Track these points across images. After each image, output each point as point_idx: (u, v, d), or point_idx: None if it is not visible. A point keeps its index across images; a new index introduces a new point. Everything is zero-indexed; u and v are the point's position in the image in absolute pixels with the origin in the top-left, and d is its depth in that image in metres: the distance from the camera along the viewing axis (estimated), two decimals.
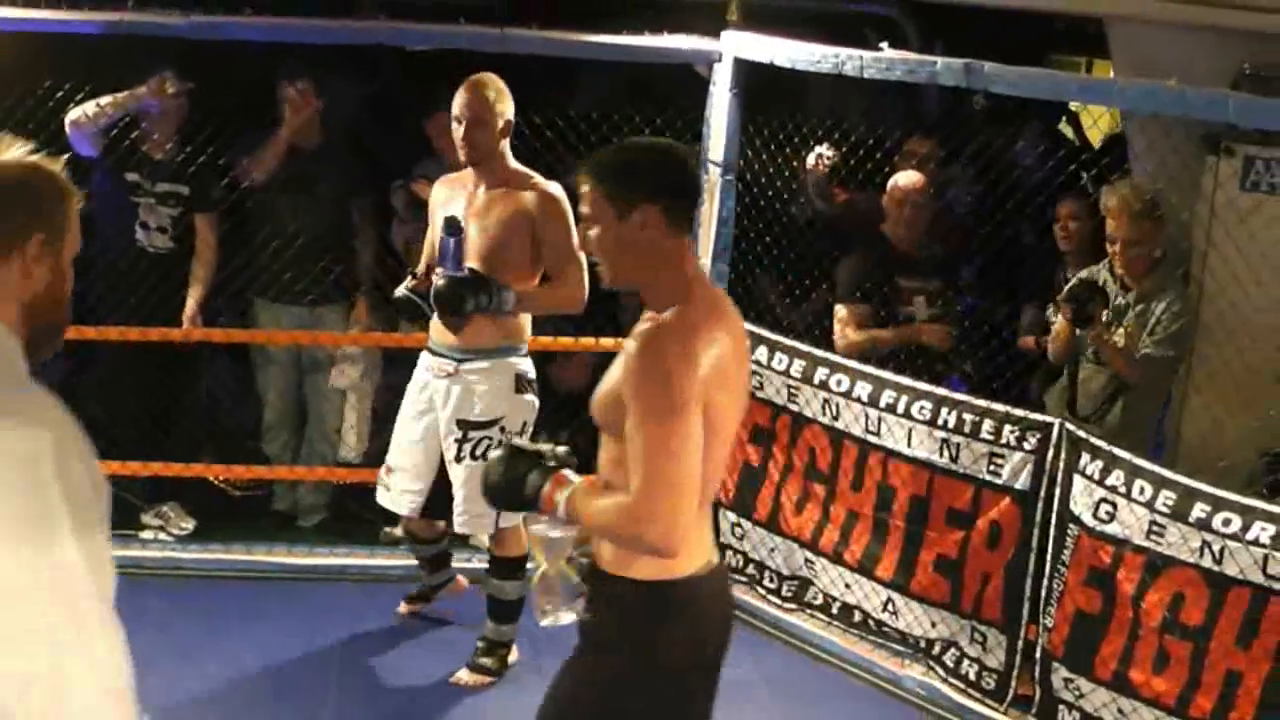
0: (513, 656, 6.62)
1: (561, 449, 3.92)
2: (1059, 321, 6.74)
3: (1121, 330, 6.62)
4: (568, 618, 3.89)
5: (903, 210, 7.41)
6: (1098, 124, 9.22)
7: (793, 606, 7.14)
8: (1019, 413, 6.31)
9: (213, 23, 7.07)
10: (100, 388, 7.74)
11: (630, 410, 3.58)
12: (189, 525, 7.77)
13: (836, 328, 7.45)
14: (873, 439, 6.71)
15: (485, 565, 6.65)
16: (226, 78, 7.86)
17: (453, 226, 6.17)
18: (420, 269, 6.53)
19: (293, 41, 7.36)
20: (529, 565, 3.85)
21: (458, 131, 6.21)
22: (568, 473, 3.83)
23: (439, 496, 6.43)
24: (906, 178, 7.44)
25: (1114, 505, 5.83)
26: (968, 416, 6.38)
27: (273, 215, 7.68)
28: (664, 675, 3.83)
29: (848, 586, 6.88)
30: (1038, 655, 6.20)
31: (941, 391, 6.55)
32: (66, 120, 7.28)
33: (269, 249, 7.66)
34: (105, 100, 7.28)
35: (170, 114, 7.49)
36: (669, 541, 3.54)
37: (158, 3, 7.06)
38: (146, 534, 7.65)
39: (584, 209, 3.83)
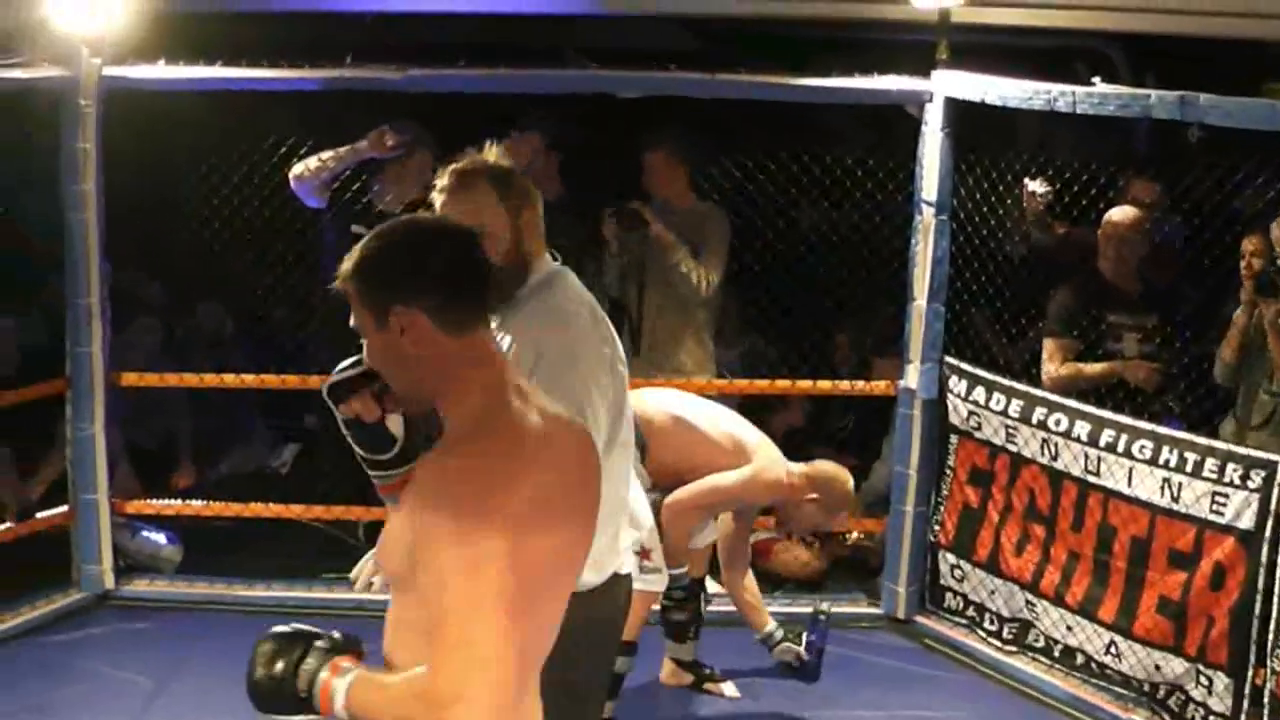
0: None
1: (337, 634, 3.03)
2: (1233, 329, 6.65)
3: None
4: None
5: (1114, 245, 7.32)
6: None
7: (1014, 649, 7.08)
8: (1242, 450, 6.20)
9: (428, 76, 7.21)
10: (323, 435, 7.91)
11: (424, 564, 2.77)
12: None
13: (1043, 361, 7.39)
14: (1092, 479, 6.64)
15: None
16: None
17: None
18: None
19: (507, 92, 7.48)
20: None
21: None
22: (344, 661, 2.93)
23: None
24: (1121, 212, 7.35)
25: None
26: (1189, 455, 6.28)
27: None
28: None
29: (1069, 629, 6.81)
30: (1266, 700, 6.06)
31: (1163, 430, 6.45)
32: (290, 175, 7.46)
33: None
34: (327, 154, 7.42)
35: (410, 174, 7.53)
36: None
37: (375, 58, 7.22)
38: None
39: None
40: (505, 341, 4.04)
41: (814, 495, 6.45)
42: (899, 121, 7.51)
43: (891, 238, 8.02)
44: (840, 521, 6.83)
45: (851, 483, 6.59)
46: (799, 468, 6.53)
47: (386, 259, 2.96)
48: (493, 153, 4.32)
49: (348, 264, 2.98)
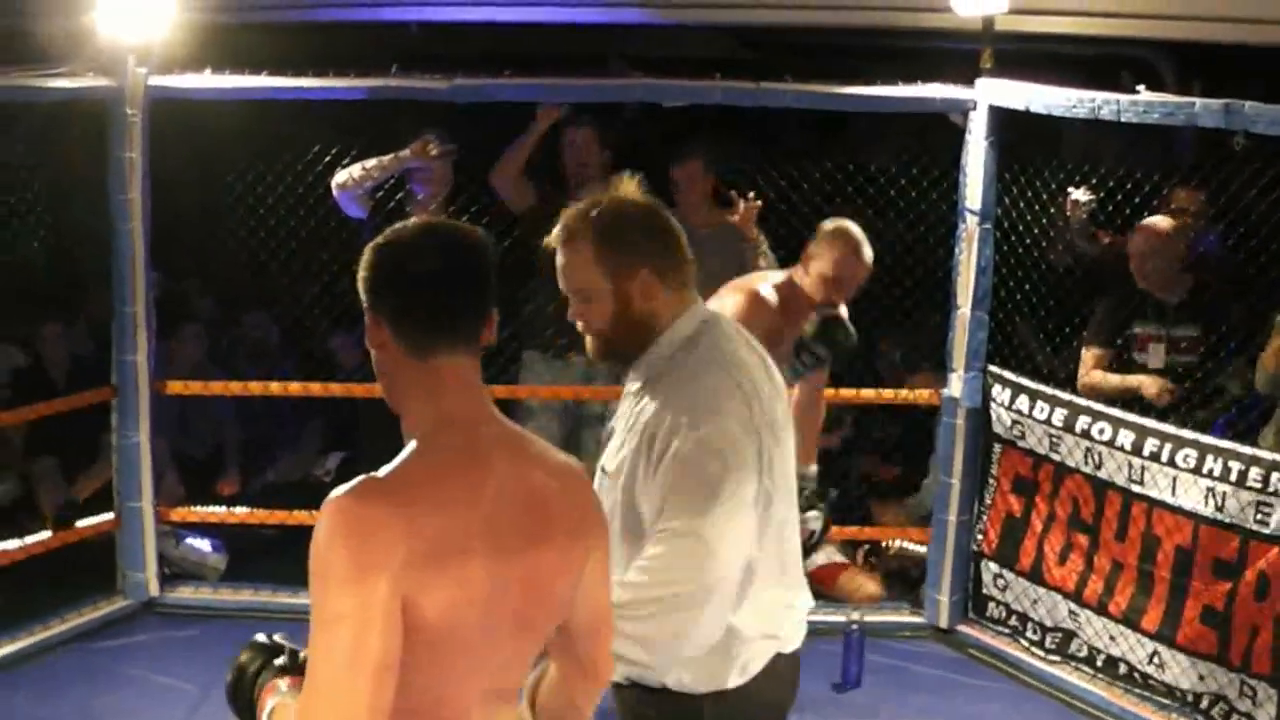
0: None
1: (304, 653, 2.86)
2: (1275, 337, 6.59)
3: None
4: None
5: (1138, 256, 7.23)
6: None
7: (1056, 659, 7.06)
8: None
9: (474, 86, 7.24)
10: (368, 443, 7.95)
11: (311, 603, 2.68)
12: None
13: (1080, 368, 7.36)
14: (1136, 488, 6.61)
15: None
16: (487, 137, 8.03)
17: None
18: None
19: (553, 101, 7.51)
20: None
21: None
22: (282, 683, 2.90)
23: None
24: (1149, 222, 7.28)
25: None
26: (1234, 464, 6.23)
27: (546, 268, 7.72)
28: None
29: (1113, 639, 6.78)
30: None
31: (1206, 439, 6.41)
32: (333, 183, 7.50)
33: (537, 302, 7.76)
34: (370, 163, 7.47)
35: (438, 176, 7.64)
36: None
37: (421, 68, 7.26)
38: None
39: None
40: (665, 420, 3.58)
41: (811, 258, 6.02)
42: (936, 129, 7.50)
43: (936, 246, 8.00)
44: (846, 266, 6.05)
45: (842, 223, 6.10)
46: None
47: (370, 260, 2.89)
48: (629, 186, 3.85)
49: (362, 257, 2.92)
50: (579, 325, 3.79)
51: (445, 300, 2.84)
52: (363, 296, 2.89)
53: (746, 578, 3.63)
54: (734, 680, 3.74)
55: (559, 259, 3.74)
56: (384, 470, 2.74)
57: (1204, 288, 7.34)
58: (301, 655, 2.90)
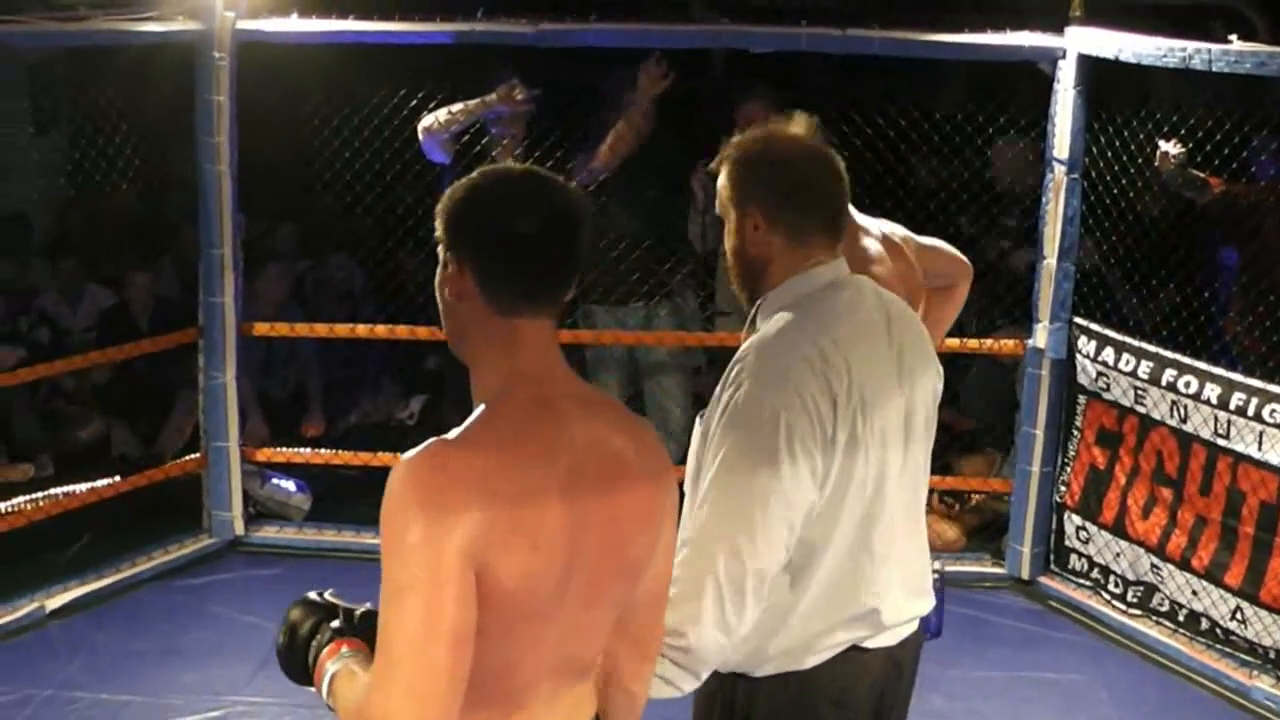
0: None
1: (364, 610, 2.89)
2: None
3: None
4: None
5: None
6: None
7: (1138, 612, 7.02)
8: None
9: (560, 30, 7.23)
10: (450, 387, 8.00)
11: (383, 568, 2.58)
12: None
13: None
14: (1222, 442, 6.55)
15: None
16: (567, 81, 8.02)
17: None
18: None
19: (637, 46, 7.48)
20: None
21: None
22: (344, 648, 2.82)
23: None
24: None
25: None
26: None
27: (605, 220, 7.75)
28: None
29: (1195, 593, 6.74)
30: None
31: None
32: (419, 127, 7.52)
33: (604, 254, 7.76)
34: (456, 107, 7.48)
35: (518, 120, 7.65)
36: None
37: (506, 12, 7.25)
38: None
39: None
40: (737, 371, 3.34)
41: None
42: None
43: (1023, 196, 7.93)
44: None
45: None
46: None
47: (464, 203, 2.72)
48: (800, 122, 3.74)
49: (448, 193, 2.76)
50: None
51: (544, 265, 2.71)
52: (444, 237, 2.74)
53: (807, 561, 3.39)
54: (768, 668, 3.50)
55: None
56: (455, 431, 2.63)
57: None
58: (358, 613, 2.87)
